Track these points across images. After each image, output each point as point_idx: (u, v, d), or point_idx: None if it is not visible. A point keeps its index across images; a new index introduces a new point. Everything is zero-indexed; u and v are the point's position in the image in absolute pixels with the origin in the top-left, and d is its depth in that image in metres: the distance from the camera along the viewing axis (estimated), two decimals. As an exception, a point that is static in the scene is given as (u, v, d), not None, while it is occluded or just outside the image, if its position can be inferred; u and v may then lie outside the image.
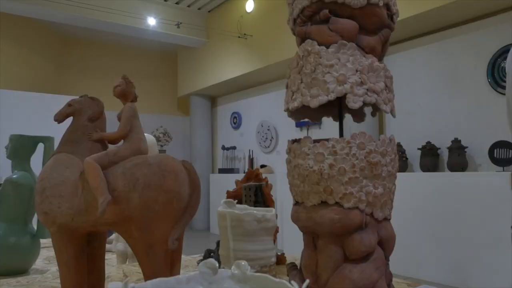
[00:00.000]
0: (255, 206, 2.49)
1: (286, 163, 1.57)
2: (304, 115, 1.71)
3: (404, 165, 6.50)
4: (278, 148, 9.22)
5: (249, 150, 9.68)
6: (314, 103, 1.44)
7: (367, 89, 1.42)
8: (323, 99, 1.43)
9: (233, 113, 10.50)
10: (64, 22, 8.08)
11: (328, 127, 7.87)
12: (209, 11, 9.56)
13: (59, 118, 1.93)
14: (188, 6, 9.17)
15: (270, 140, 9.30)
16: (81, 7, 7.41)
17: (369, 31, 1.54)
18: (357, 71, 1.43)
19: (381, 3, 1.51)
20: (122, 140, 1.82)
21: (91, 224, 1.67)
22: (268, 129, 9.34)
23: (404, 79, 6.58)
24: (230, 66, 9.20)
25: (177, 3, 8.97)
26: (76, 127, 1.87)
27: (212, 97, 11.07)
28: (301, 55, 1.52)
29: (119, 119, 1.86)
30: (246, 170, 9.60)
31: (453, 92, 6.23)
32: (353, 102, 1.40)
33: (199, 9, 9.36)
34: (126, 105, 1.88)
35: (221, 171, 10.13)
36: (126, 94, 1.90)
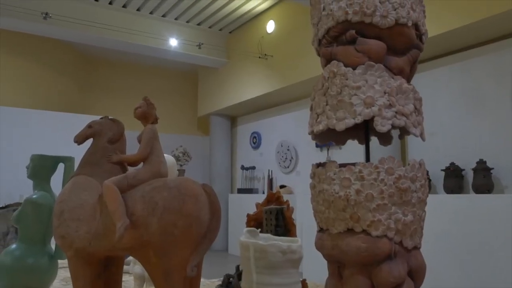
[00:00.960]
0: (276, 230, 2.43)
1: (310, 188, 1.51)
2: (329, 138, 1.66)
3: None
4: (298, 169, 9.13)
5: (269, 170, 9.61)
6: (340, 126, 1.39)
7: (395, 112, 1.37)
8: (350, 122, 1.37)
9: (253, 133, 10.47)
10: (88, 43, 8.23)
11: (349, 148, 7.70)
12: (230, 32, 9.64)
13: (79, 139, 1.92)
14: (210, 27, 9.27)
15: (290, 160, 9.22)
16: (104, 28, 7.54)
17: (397, 51, 1.49)
18: (385, 93, 1.38)
19: (409, 23, 1.46)
20: (142, 163, 1.79)
21: (109, 248, 1.63)
22: (288, 149, 9.27)
23: (426, 99, 6.42)
24: (250, 86, 9.21)
25: (198, 24, 9.07)
26: (96, 149, 1.85)
27: (232, 117, 11.08)
28: (327, 77, 1.47)
29: (139, 141, 1.84)
30: (265, 190, 9.52)
31: (477, 112, 6.09)
32: (381, 125, 1.34)
33: (220, 30, 9.45)
34: (146, 127, 1.85)
35: (240, 191, 10.07)
36: (147, 116, 1.88)
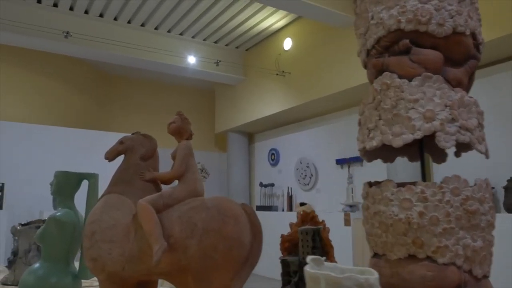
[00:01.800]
0: (312, 252, 2.30)
1: (363, 209, 1.40)
2: (377, 155, 1.55)
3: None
4: (318, 186, 8.98)
5: (288, 188, 9.48)
6: (397, 143, 1.27)
7: (459, 127, 1.25)
8: (408, 137, 1.26)
9: (271, 149, 10.37)
10: (106, 61, 8.27)
11: (371, 165, 7.59)
12: (246, 50, 9.63)
13: (110, 156, 1.82)
14: (226, 45, 9.27)
15: (310, 178, 9.08)
16: (122, 46, 7.58)
17: (454, 62, 1.38)
18: (446, 106, 1.26)
19: (467, 32, 1.35)
20: (177, 181, 1.69)
21: (144, 273, 1.52)
22: (308, 166, 9.13)
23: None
24: (268, 103, 9.14)
25: (215, 42, 9.08)
26: (128, 165, 1.75)
27: (250, 134, 11.01)
28: (378, 89, 1.36)
29: (173, 157, 1.74)
30: (285, 208, 9.36)
31: (506, 128, 5.91)
32: (445, 142, 1.23)
33: (237, 47, 9.45)
34: (181, 143, 1.75)
35: (259, 208, 9.92)
36: (181, 131, 1.77)
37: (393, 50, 1.38)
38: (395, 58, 1.36)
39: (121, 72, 10.14)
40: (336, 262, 2.39)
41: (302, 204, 8.65)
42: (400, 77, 1.33)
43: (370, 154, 1.49)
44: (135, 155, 1.78)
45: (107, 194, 1.73)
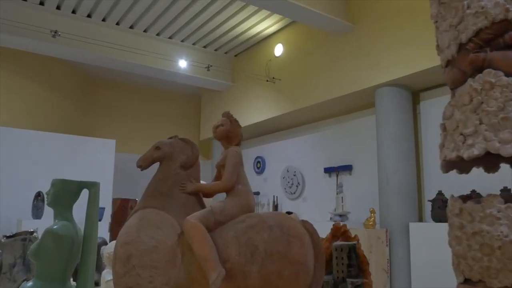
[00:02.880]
0: (348, 270, 2.11)
1: (454, 228, 1.20)
2: (454, 165, 1.36)
3: (446, 215, 6.02)
4: (305, 195, 8.84)
5: (274, 196, 9.30)
6: (508, 151, 1.09)
7: None
8: (522, 145, 1.08)
9: (257, 157, 10.19)
10: (93, 63, 7.98)
11: (360, 174, 7.50)
12: (235, 55, 9.47)
13: (144, 163, 1.55)
14: (216, 50, 9.08)
15: (297, 186, 8.92)
16: (110, 48, 7.29)
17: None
18: None
19: None
20: (222, 194, 1.45)
21: (192, 304, 1.27)
22: (295, 175, 8.98)
23: (436, 125, 6.21)
24: (256, 110, 8.97)
25: (204, 47, 8.88)
26: (166, 175, 1.49)
27: (235, 141, 10.81)
28: (479, 89, 1.17)
29: (219, 166, 1.50)
30: (271, 218, 9.19)
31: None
32: None
33: (225, 53, 9.27)
34: (230, 149, 1.51)
35: (244, 218, 9.68)
36: (230, 136, 1.53)
37: (496, 43, 1.19)
38: (500, 53, 1.18)
39: (105, 76, 9.83)
40: (371, 279, 2.21)
41: (288, 213, 8.49)
42: (507, 75, 1.15)
43: (449, 165, 1.30)
44: (174, 163, 1.51)
45: (142, 209, 1.46)
